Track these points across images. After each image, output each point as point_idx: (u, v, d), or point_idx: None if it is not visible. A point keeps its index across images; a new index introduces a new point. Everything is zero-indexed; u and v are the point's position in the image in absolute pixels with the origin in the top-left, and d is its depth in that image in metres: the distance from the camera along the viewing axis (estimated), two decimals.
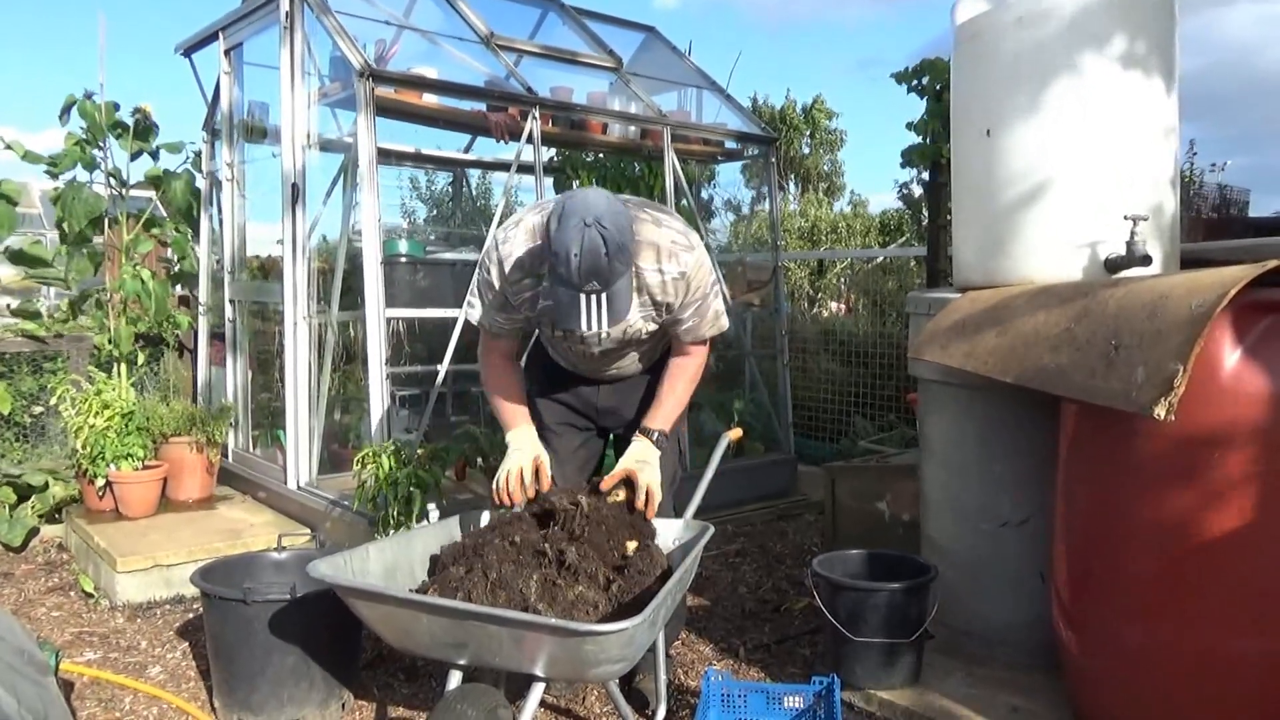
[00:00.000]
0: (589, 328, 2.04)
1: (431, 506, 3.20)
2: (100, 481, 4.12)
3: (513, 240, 2.28)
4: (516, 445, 2.40)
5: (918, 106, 4.69)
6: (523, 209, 2.40)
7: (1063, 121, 2.64)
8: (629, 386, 2.62)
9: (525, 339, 2.72)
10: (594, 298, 2.02)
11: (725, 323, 2.43)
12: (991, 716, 2.41)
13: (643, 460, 2.34)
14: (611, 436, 2.76)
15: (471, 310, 2.42)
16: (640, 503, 2.31)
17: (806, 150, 15.21)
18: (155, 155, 4.87)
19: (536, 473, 2.37)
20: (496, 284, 2.30)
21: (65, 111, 4.58)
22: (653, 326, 2.39)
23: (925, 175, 4.81)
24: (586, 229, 1.97)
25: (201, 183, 5.06)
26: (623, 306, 2.08)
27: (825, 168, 15.69)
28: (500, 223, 4.32)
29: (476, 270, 2.38)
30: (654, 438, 2.39)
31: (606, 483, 2.32)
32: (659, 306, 2.32)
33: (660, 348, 2.55)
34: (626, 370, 2.59)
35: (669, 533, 2.40)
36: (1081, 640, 2.31)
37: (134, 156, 4.77)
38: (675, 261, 2.25)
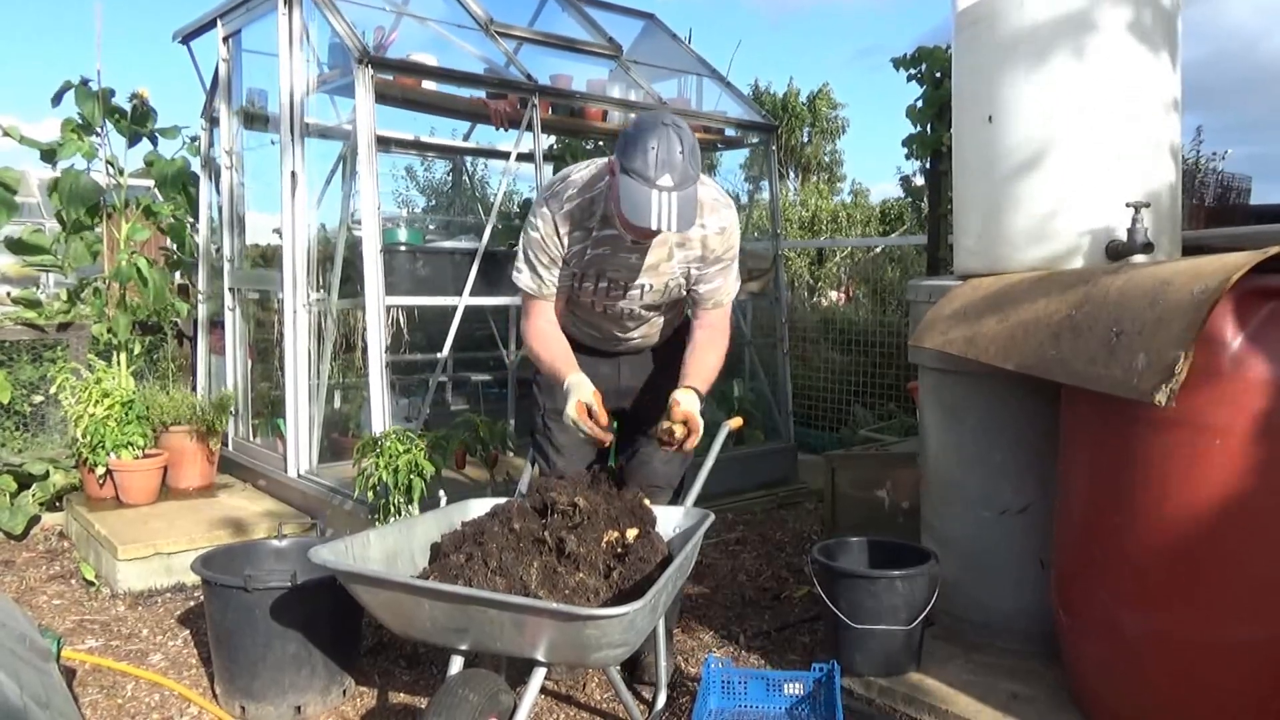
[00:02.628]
0: (658, 225, 2.03)
1: (441, 494, 3.20)
2: (101, 470, 4.13)
3: (561, 194, 2.31)
4: (572, 387, 2.34)
5: (917, 95, 4.68)
6: (567, 168, 2.42)
7: (1065, 107, 2.64)
8: (643, 364, 2.67)
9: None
10: (665, 195, 2.02)
11: (737, 287, 2.48)
12: (990, 703, 2.42)
13: (694, 411, 2.29)
14: (617, 422, 2.78)
15: (519, 275, 2.42)
16: (687, 442, 2.28)
17: (806, 139, 15.18)
18: (154, 140, 4.87)
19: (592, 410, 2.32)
20: (546, 239, 2.33)
21: (58, 96, 4.57)
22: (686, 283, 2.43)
23: (927, 164, 4.78)
24: (664, 127, 2.04)
25: (199, 169, 5.06)
26: (690, 214, 2.09)
27: (825, 158, 15.67)
28: (502, 210, 4.34)
29: (521, 234, 2.40)
30: (697, 394, 2.36)
31: (676, 415, 2.26)
32: (697, 262, 2.36)
33: (678, 318, 2.60)
34: (647, 340, 2.62)
35: (669, 520, 2.40)
36: (1081, 627, 2.31)
37: (132, 142, 4.77)
38: (717, 216, 2.33)
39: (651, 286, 2.41)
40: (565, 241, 2.33)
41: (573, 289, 2.45)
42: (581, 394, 2.30)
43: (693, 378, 2.39)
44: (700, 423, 2.30)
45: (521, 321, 2.54)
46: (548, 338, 2.46)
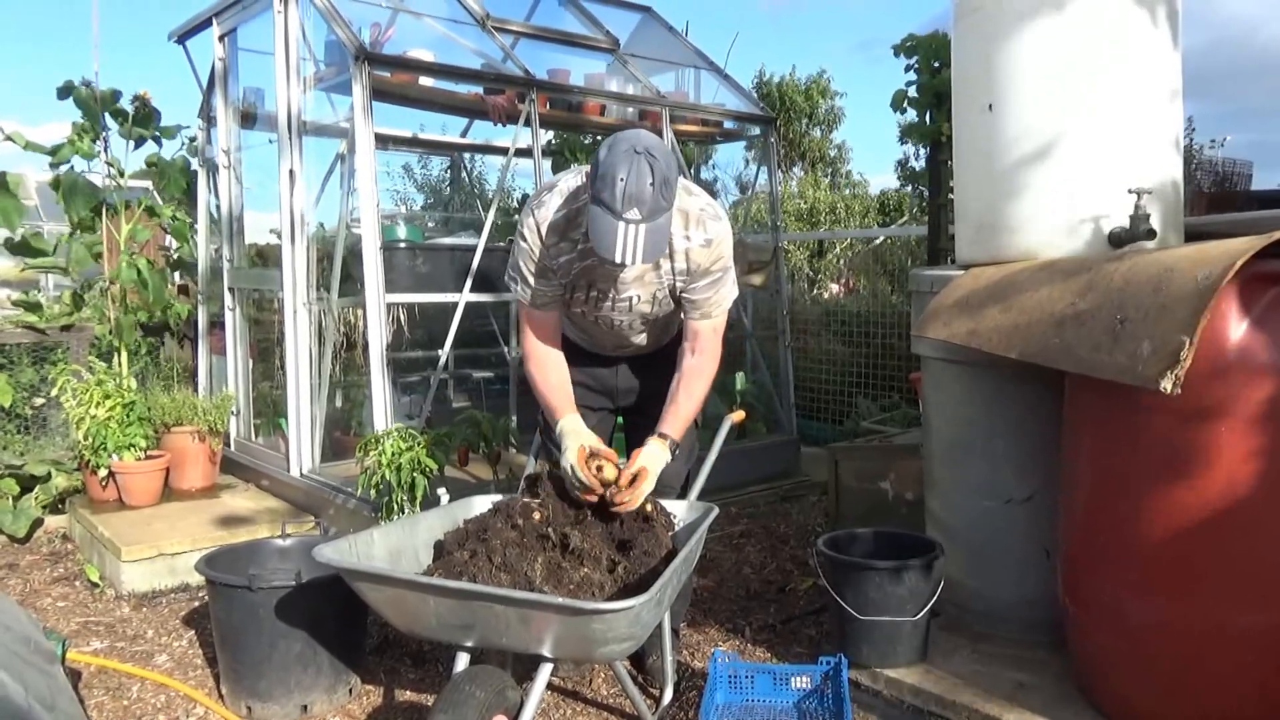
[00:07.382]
0: (622, 258, 1.99)
1: (442, 491, 3.19)
2: (103, 472, 4.12)
3: (548, 204, 2.28)
4: (568, 433, 2.32)
5: (910, 82, 4.65)
6: (554, 176, 2.39)
7: (1066, 94, 2.62)
8: (642, 366, 2.64)
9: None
10: (632, 228, 1.98)
11: (732, 297, 2.43)
12: (997, 693, 2.41)
13: (651, 469, 2.28)
14: (620, 419, 2.77)
15: (513, 286, 2.40)
16: (627, 495, 2.23)
17: (804, 129, 15.11)
18: (159, 141, 4.88)
19: (593, 455, 2.27)
20: (534, 249, 2.29)
21: (65, 92, 4.59)
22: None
23: (923, 153, 4.77)
24: (636, 156, 1.98)
25: (198, 170, 5.05)
26: (659, 244, 2.04)
27: (831, 152, 15.62)
28: (501, 205, 4.32)
29: (513, 244, 2.37)
30: (669, 444, 2.35)
31: (625, 477, 2.23)
32: (682, 275, 2.33)
33: (675, 326, 2.56)
34: (645, 348, 2.60)
35: (674, 514, 2.39)
36: (1087, 616, 2.31)
37: (137, 144, 4.78)
38: (703, 229, 2.27)
39: (640, 298, 2.38)
40: (551, 252, 2.29)
41: (565, 300, 2.42)
42: (580, 439, 2.26)
43: (668, 423, 2.36)
44: (651, 472, 2.24)
45: (521, 338, 2.49)
46: (544, 364, 2.42)
